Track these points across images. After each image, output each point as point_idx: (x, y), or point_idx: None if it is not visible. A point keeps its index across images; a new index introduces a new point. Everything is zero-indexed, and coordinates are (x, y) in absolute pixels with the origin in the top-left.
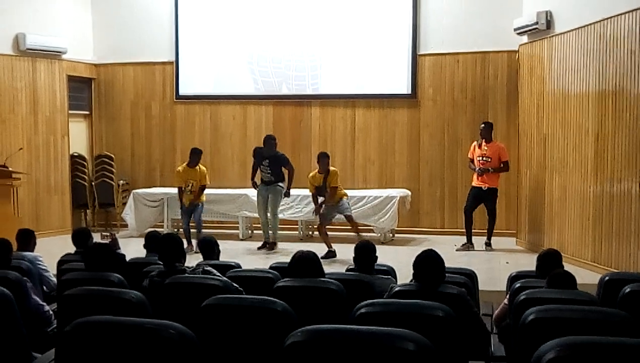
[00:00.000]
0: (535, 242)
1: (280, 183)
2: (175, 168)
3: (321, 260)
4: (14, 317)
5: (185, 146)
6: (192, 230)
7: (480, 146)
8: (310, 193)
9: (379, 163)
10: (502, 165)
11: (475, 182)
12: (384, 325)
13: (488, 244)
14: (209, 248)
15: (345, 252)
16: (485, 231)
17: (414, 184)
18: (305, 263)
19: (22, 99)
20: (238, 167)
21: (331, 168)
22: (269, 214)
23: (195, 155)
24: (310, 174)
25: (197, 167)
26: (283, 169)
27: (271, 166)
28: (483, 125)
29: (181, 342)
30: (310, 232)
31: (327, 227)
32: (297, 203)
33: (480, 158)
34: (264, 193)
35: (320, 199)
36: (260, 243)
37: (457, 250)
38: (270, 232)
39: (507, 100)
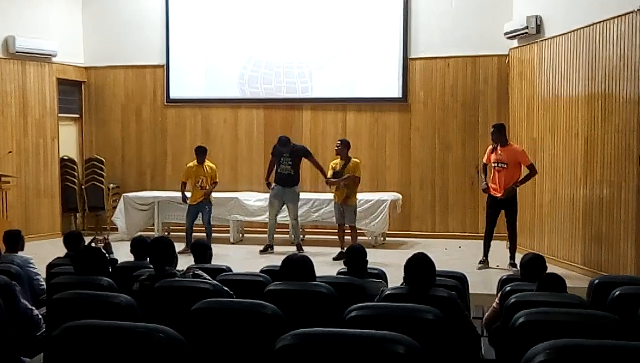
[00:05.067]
0: (525, 245)
1: (296, 186)
2: (166, 171)
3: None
4: (2, 321)
5: (176, 149)
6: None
7: (495, 150)
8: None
9: (370, 166)
10: (529, 170)
11: (490, 191)
12: (374, 328)
13: (512, 264)
14: (201, 251)
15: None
16: (482, 235)
17: (405, 188)
18: (296, 266)
19: (11, 102)
20: (229, 170)
21: (354, 159)
22: (289, 219)
23: (201, 153)
24: (334, 161)
25: (206, 164)
26: (305, 160)
27: (292, 157)
28: (492, 129)
29: (171, 346)
30: (302, 236)
31: (318, 229)
32: None
33: (496, 164)
34: (280, 194)
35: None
36: (261, 247)
37: (477, 269)
38: (294, 235)
39: (498, 104)
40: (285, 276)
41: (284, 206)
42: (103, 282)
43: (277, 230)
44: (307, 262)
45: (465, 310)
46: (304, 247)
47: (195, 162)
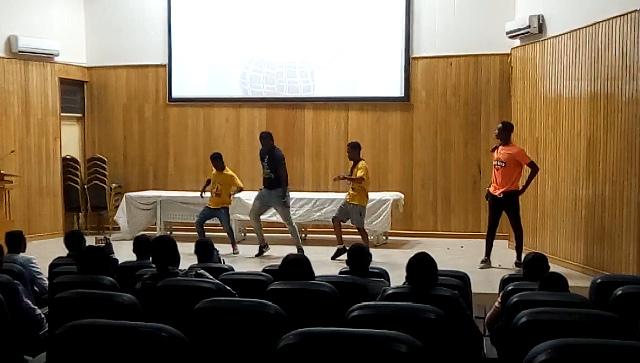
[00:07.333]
0: (527, 244)
1: (279, 189)
2: (168, 170)
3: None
4: (5, 320)
5: (178, 149)
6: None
7: (496, 150)
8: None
9: (372, 166)
10: (530, 168)
11: (490, 189)
12: (376, 328)
13: (518, 263)
14: (205, 251)
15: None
16: (485, 236)
17: (407, 187)
18: (296, 266)
19: (14, 102)
20: (231, 169)
21: (362, 161)
22: (286, 224)
23: (215, 160)
24: None
25: (225, 171)
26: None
27: (269, 163)
28: (500, 125)
29: (173, 345)
30: (304, 235)
31: (319, 229)
32: (291, 206)
33: (496, 163)
34: (265, 197)
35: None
36: (256, 251)
37: (479, 268)
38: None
39: (500, 103)
40: (284, 276)
41: (267, 210)
42: (106, 281)
43: (277, 229)
44: (307, 262)
45: (468, 310)
46: (305, 247)
47: (215, 170)
